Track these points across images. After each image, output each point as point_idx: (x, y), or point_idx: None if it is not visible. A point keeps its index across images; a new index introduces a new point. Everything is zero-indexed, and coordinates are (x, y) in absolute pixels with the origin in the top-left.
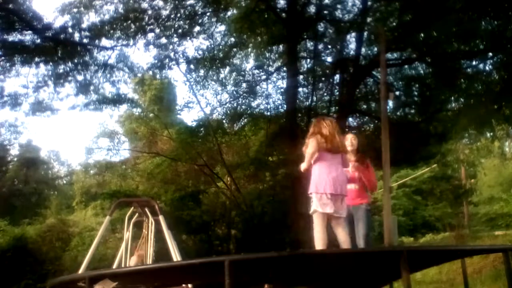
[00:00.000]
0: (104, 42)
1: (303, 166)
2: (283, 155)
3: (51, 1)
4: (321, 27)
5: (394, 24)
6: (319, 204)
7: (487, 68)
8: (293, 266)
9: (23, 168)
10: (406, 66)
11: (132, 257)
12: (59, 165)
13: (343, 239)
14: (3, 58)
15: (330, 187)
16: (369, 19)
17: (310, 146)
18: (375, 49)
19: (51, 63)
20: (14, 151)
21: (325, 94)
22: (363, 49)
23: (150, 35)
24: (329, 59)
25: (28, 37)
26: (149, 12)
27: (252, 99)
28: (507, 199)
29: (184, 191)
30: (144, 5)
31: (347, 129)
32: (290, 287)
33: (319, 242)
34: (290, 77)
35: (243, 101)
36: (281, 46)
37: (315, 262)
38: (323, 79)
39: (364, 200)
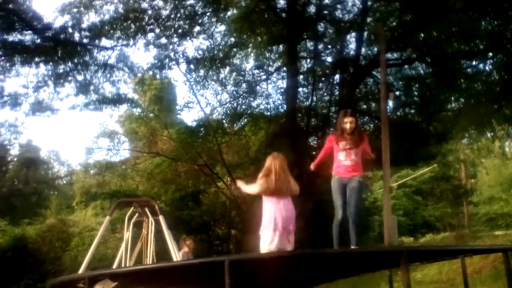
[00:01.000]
0: (104, 42)
1: (249, 190)
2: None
3: (51, 1)
4: (321, 27)
5: (394, 24)
6: (266, 243)
7: (487, 68)
8: (293, 266)
9: (23, 168)
10: (406, 66)
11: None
12: (59, 165)
13: None
14: (3, 58)
15: (276, 226)
16: (369, 19)
17: (257, 187)
18: (375, 49)
19: (51, 63)
20: (14, 151)
21: (325, 94)
22: (363, 49)
23: (150, 35)
24: (329, 59)
25: (28, 37)
26: (149, 12)
27: (252, 99)
28: (507, 199)
29: (184, 191)
30: (144, 5)
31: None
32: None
33: None
34: (290, 77)
35: (243, 101)
36: (281, 46)
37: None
38: (323, 79)
39: (357, 172)
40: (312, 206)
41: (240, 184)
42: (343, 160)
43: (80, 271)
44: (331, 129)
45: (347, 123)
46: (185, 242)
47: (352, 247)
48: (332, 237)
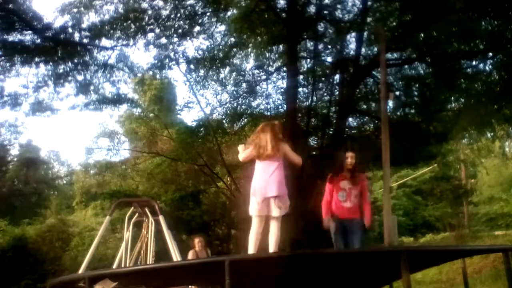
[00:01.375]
0: (104, 42)
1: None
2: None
3: (51, 1)
4: (321, 27)
5: (394, 24)
6: (253, 208)
7: (487, 68)
8: (293, 266)
9: (23, 168)
10: (406, 66)
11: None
12: (59, 165)
13: (272, 239)
14: (3, 58)
15: (259, 192)
16: (369, 19)
17: (240, 152)
18: (375, 49)
19: (51, 63)
20: (14, 151)
21: (325, 94)
22: (363, 49)
23: (150, 35)
24: (329, 59)
25: (28, 37)
26: (149, 12)
27: (252, 99)
28: (507, 199)
29: (184, 191)
30: (144, 5)
31: (346, 129)
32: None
33: (250, 245)
34: (290, 77)
35: (243, 101)
36: (281, 46)
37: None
38: (323, 79)
39: (357, 215)
40: (312, 206)
41: (239, 148)
42: (342, 201)
43: (80, 271)
44: (331, 129)
45: (348, 158)
46: (193, 241)
47: None
48: (332, 237)
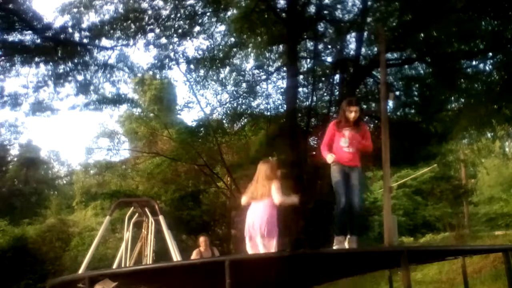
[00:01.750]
0: (104, 42)
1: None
2: (283, 155)
3: (51, 1)
4: (321, 27)
5: (394, 24)
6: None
7: (487, 68)
8: (293, 265)
9: (23, 168)
10: (406, 66)
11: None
12: (59, 165)
13: None
14: (3, 58)
15: (246, 232)
16: (369, 19)
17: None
18: (375, 49)
19: (51, 63)
20: (14, 151)
21: (325, 94)
22: (363, 49)
23: (150, 35)
24: (329, 59)
25: (28, 37)
26: (149, 12)
27: (252, 99)
28: (507, 199)
29: (184, 191)
30: (144, 5)
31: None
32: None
33: None
34: (290, 77)
35: (243, 101)
36: (281, 46)
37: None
38: (323, 79)
39: (357, 163)
40: (312, 206)
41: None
42: (344, 146)
43: (80, 271)
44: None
45: (352, 112)
46: (198, 240)
47: (353, 236)
48: (332, 237)
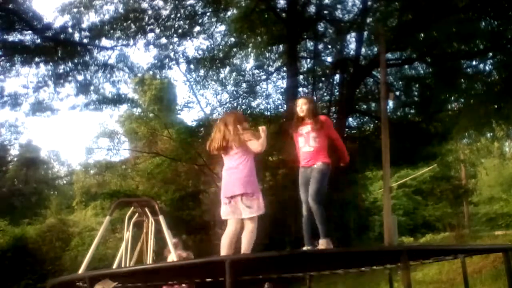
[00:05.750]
0: (104, 42)
1: None
2: (283, 155)
3: (51, 1)
4: (321, 27)
5: (394, 24)
6: (221, 210)
7: (487, 68)
8: (294, 265)
9: (23, 168)
10: (406, 66)
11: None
12: (59, 165)
13: (243, 244)
14: (3, 58)
15: (223, 191)
16: (369, 19)
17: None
18: (375, 49)
19: (51, 63)
20: (14, 151)
21: (325, 94)
22: (363, 49)
23: (150, 35)
24: (329, 59)
25: (28, 37)
26: (149, 12)
27: (252, 99)
28: (507, 199)
29: (184, 191)
30: (144, 5)
31: (346, 129)
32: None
33: (222, 250)
34: (290, 77)
35: (243, 101)
36: (281, 46)
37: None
38: (323, 79)
39: (316, 161)
40: None
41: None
42: (302, 146)
43: (80, 271)
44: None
45: (297, 106)
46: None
47: (321, 240)
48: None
